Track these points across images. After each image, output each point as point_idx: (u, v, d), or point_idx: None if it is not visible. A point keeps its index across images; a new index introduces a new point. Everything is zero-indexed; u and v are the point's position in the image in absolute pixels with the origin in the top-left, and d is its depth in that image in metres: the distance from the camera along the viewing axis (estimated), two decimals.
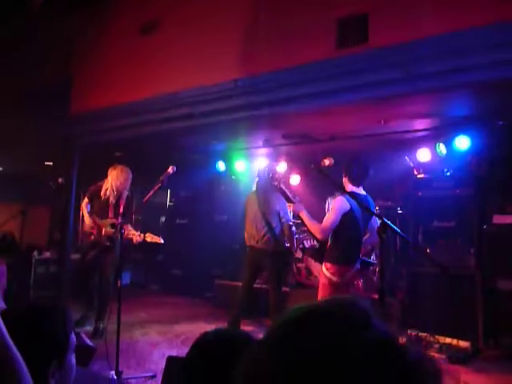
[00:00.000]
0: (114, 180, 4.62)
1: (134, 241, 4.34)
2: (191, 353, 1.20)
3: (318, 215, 6.31)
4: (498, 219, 4.38)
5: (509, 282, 4.13)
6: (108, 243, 4.60)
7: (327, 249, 3.37)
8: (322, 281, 3.33)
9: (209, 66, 4.46)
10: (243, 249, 5.18)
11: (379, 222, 2.42)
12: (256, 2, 4.22)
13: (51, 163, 7.48)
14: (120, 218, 4.45)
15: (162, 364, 3.14)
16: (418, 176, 5.64)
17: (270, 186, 4.19)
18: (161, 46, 4.83)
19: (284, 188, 3.61)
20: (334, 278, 3.24)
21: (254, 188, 4.78)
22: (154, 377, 3.33)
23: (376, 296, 5.16)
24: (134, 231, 4.40)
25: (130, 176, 4.68)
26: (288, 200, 3.90)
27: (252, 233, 4.54)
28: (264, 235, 4.47)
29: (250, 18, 4.16)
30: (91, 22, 5.40)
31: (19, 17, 5.12)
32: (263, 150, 6.49)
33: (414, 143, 5.33)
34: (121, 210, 4.60)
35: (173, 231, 7.46)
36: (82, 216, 4.92)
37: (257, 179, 4.73)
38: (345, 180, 3.43)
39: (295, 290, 5.51)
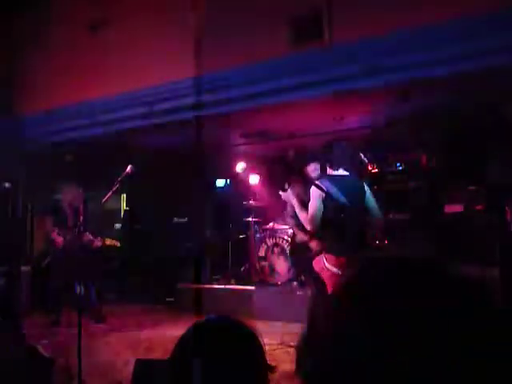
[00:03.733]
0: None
1: (94, 245, 4.78)
2: (179, 348, 1.11)
3: (279, 214, 6.36)
4: (449, 208, 4.63)
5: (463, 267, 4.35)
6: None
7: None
8: (326, 274, 3.12)
9: (164, 63, 4.38)
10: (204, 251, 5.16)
11: None
12: None
13: None
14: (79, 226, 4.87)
15: (127, 371, 3.04)
16: (373, 171, 5.84)
17: None
18: (112, 43, 4.69)
19: None
20: (334, 270, 3.05)
21: None
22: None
23: None
24: (92, 237, 4.88)
25: (69, 190, 5.20)
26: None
27: None
28: None
29: (206, 15, 4.13)
30: (36, 21, 5.14)
31: None
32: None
33: (368, 139, 5.50)
34: (80, 219, 4.89)
35: (129, 237, 7.24)
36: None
37: None
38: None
39: (259, 288, 5.51)
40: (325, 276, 3.15)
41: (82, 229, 4.90)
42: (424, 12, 3.30)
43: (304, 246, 3.89)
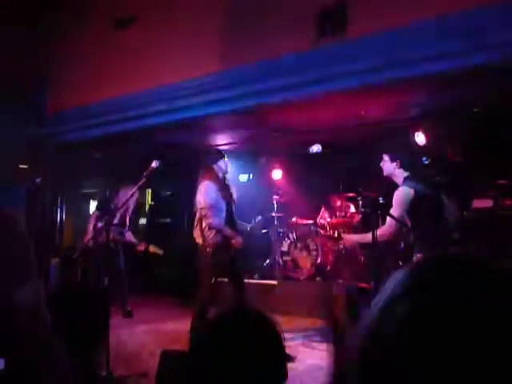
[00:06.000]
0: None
1: (138, 248, 5.01)
2: (198, 340, 1.13)
3: (302, 209, 6.35)
4: (477, 204, 4.50)
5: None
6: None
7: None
8: None
9: (188, 59, 4.41)
10: None
11: None
12: None
13: (26, 166, 7.26)
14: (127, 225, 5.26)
15: (152, 362, 3.10)
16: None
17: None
18: (138, 40, 4.76)
19: None
20: None
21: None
22: (145, 375, 3.27)
23: (362, 285, 5.23)
24: (133, 238, 5.19)
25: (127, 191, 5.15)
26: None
27: None
28: None
29: (228, 10, 4.13)
30: (65, 19, 5.26)
31: None
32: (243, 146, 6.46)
33: (392, 133, 5.40)
34: (127, 219, 5.28)
35: (155, 231, 7.36)
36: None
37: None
38: (394, 166, 3.36)
39: (282, 283, 5.52)
40: None
41: (127, 228, 5.20)
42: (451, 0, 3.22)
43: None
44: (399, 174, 3.33)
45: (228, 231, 3.89)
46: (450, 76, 3.54)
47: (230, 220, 4.00)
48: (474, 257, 0.48)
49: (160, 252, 4.95)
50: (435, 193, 3.33)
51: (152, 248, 4.96)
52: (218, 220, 3.88)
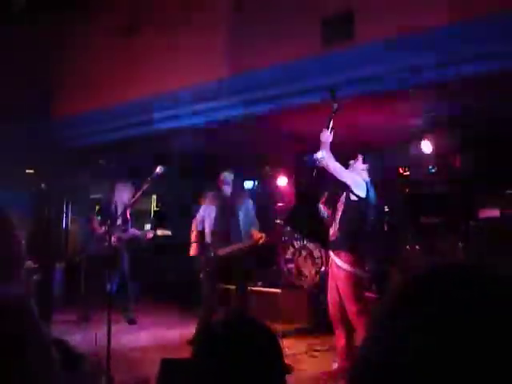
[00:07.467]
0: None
1: (146, 238, 5.02)
2: (198, 349, 1.12)
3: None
4: (483, 213, 4.46)
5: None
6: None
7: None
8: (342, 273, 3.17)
9: (193, 65, 4.42)
10: None
11: None
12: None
13: (32, 171, 7.31)
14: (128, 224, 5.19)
15: (154, 369, 3.09)
16: (404, 174, 5.71)
17: None
18: (144, 47, 4.78)
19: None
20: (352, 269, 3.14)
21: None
22: (146, 382, 3.25)
23: (368, 293, 5.17)
24: (138, 231, 5.20)
25: (123, 188, 5.19)
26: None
27: None
28: None
29: (234, 16, 4.15)
30: (74, 25, 5.31)
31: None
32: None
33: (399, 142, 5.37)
34: (127, 216, 5.19)
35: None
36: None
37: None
38: (363, 167, 3.48)
39: (285, 291, 5.48)
40: (341, 276, 3.14)
41: (129, 226, 5.15)
42: (466, 5, 3.19)
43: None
44: (361, 176, 3.41)
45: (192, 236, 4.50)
46: (460, 84, 3.52)
47: (225, 227, 4.43)
48: (478, 267, 0.47)
49: (168, 233, 4.97)
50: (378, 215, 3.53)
51: (160, 231, 4.97)
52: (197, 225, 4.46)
